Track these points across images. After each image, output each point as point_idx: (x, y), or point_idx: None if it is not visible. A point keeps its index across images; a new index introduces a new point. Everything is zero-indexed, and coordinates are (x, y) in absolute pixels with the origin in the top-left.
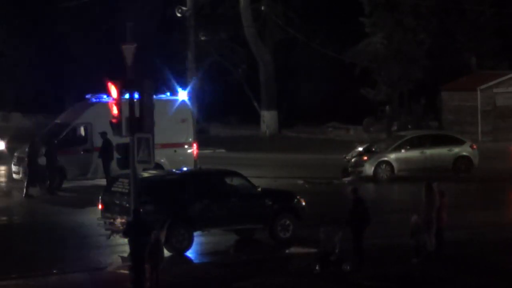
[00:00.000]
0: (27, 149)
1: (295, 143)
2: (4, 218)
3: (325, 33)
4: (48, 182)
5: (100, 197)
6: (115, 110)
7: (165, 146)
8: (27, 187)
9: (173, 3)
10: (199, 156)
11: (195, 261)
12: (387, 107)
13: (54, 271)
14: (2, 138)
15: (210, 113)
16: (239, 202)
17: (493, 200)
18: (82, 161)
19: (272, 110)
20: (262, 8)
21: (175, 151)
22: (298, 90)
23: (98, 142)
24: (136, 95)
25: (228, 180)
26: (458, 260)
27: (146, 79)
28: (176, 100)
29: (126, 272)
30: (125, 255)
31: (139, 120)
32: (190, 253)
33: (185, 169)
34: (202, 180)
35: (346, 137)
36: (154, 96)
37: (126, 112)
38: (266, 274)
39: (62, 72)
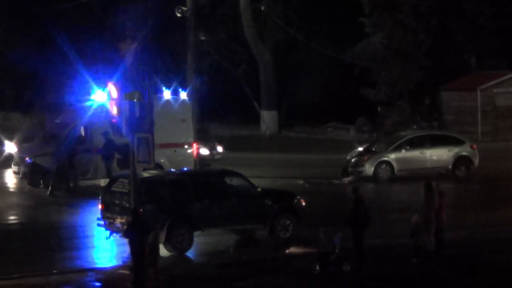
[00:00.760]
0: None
1: (295, 143)
2: (4, 218)
3: (325, 33)
4: (71, 182)
5: (100, 197)
6: (115, 110)
7: (165, 146)
8: (52, 186)
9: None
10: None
11: (195, 261)
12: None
13: (54, 271)
14: (10, 139)
15: (210, 113)
16: (239, 202)
17: (493, 200)
18: (82, 161)
19: (272, 110)
20: (262, 8)
21: (175, 151)
22: (298, 90)
23: (98, 142)
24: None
25: (228, 180)
26: (458, 260)
27: (146, 79)
28: (176, 100)
29: (126, 272)
30: (125, 255)
31: (139, 120)
32: (190, 253)
33: (185, 169)
34: (202, 180)
35: (346, 137)
36: (154, 96)
37: (126, 112)
38: (266, 274)
39: (62, 72)
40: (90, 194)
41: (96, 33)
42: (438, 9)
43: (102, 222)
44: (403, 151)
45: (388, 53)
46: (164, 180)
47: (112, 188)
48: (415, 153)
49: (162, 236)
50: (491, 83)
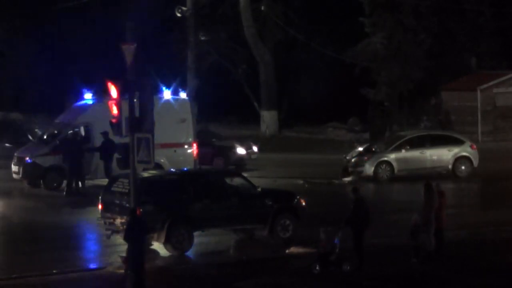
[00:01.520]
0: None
1: (295, 143)
2: (4, 218)
3: (325, 33)
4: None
5: (100, 197)
6: (115, 110)
7: (165, 146)
8: (68, 186)
9: (173, 3)
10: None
11: (195, 261)
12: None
13: (54, 271)
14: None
15: (210, 113)
16: (239, 202)
17: (493, 200)
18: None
19: (272, 110)
20: (262, 8)
21: (175, 151)
22: (298, 90)
23: (98, 142)
24: (136, 95)
25: (228, 180)
26: (458, 260)
27: (146, 79)
28: (176, 100)
29: (126, 272)
30: (125, 255)
31: (139, 120)
32: (190, 253)
33: (185, 169)
34: (202, 180)
35: (346, 137)
36: (154, 96)
37: (126, 112)
38: (266, 274)
39: (62, 72)
40: (90, 194)
41: (96, 33)
42: (438, 9)
43: (102, 222)
44: (403, 151)
45: (388, 53)
46: (164, 180)
47: (112, 188)
48: (415, 153)
49: (162, 236)
50: (491, 83)
